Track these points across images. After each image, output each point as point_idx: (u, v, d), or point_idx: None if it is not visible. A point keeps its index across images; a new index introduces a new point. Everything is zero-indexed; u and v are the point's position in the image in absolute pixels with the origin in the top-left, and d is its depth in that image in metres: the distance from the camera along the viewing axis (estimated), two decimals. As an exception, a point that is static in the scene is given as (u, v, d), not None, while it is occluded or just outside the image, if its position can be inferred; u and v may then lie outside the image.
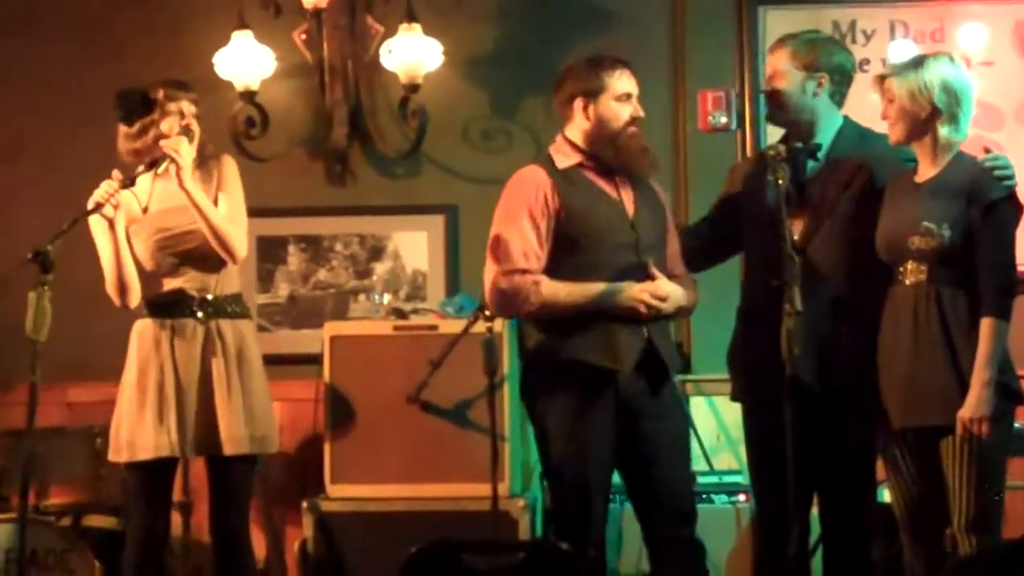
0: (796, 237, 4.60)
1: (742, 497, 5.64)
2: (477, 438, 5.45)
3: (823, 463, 4.60)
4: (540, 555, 4.61)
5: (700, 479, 5.63)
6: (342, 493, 5.63)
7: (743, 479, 5.66)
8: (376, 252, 6.44)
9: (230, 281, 4.93)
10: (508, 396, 5.54)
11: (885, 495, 4.73)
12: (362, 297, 6.40)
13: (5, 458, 5.70)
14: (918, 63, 4.55)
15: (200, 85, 5.15)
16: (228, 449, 4.78)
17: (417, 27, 6.19)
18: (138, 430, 4.77)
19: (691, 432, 5.38)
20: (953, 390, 4.38)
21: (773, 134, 5.03)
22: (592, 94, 4.68)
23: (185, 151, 4.77)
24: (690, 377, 6.10)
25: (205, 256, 4.83)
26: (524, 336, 4.75)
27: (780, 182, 4.49)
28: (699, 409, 6.05)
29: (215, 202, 4.84)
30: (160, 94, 4.84)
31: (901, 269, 4.50)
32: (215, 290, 4.87)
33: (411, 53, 6.18)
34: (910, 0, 6.32)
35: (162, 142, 4.78)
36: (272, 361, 5.13)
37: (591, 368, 4.58)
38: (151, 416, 4.77)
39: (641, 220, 4.71)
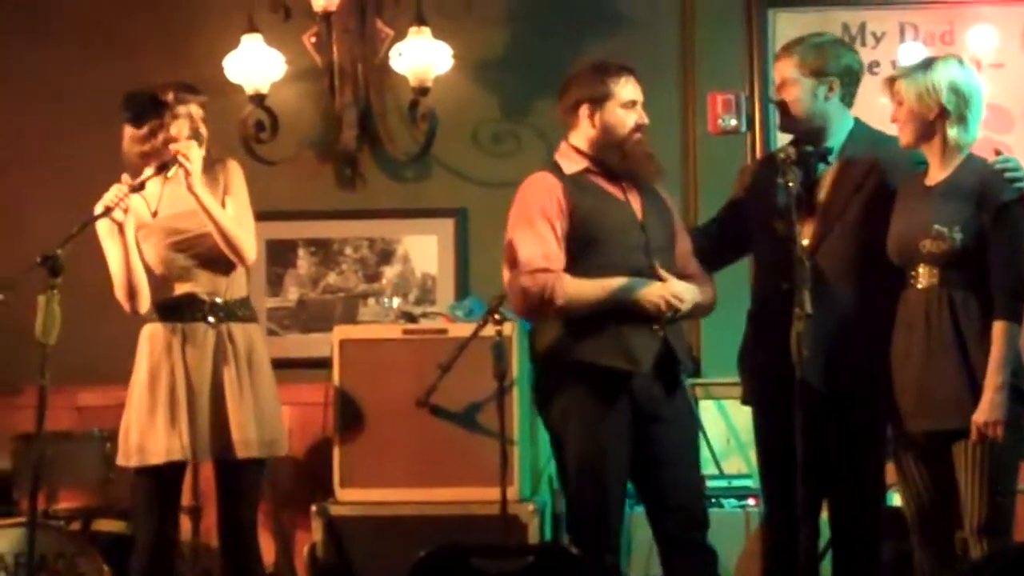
0: (806, 240, 4.59)
1: (751, 501, 5.63)
2: (486, 442, 5.45)
3: (833, 466, 4.59)
4: (549, 559, 4.60)
5: (710, 483, 5.62)
6: (351, 497, 5.63)
7: (752, 483, 5.66)
8: (386, 256, 6.44)
9: (239, 285, 4.93)
10: (518, 400, 5.54)
11: (895, 498, 4.72)
12: (371, 301, 6.40)
13: (15, 462, 5.70)
14: (927, 65, 4.54)
15: (210, 88, 5.15)
16: (240, 453, 4.77)
17: (426, 30, 6.19)
18: (149, 434, 4.77)
19: (701, 436, 5.36)
20: (966, 394, 4.36)
21: (783, 136, 5.02)
22: (598, 101, 4.68)
23: (195, 155, 4.76)
24: (700, 381, 6.09)
25: (217, 260, 4.83)
26: (537, 339, 4.73)
27: (790, 185, 4.49)
28: (708, 412, 6.03)
29: (222, 206, 4.83)
30: (170, 97, 4.83)
31: (913, 273, 4.49)
32: (225, 294, 4.87)
33: (421, 56, 6.19)
34: (920, 2, 6.32)
35: (172, 146, 4.78)
36: (281, 365, 5.12)
37: (607, 370, 4.57)
38: (162, 420, 4.76)
39: (650, 222, 4.70)
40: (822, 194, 4.69)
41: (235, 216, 4.84)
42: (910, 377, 4.46)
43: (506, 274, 4.68)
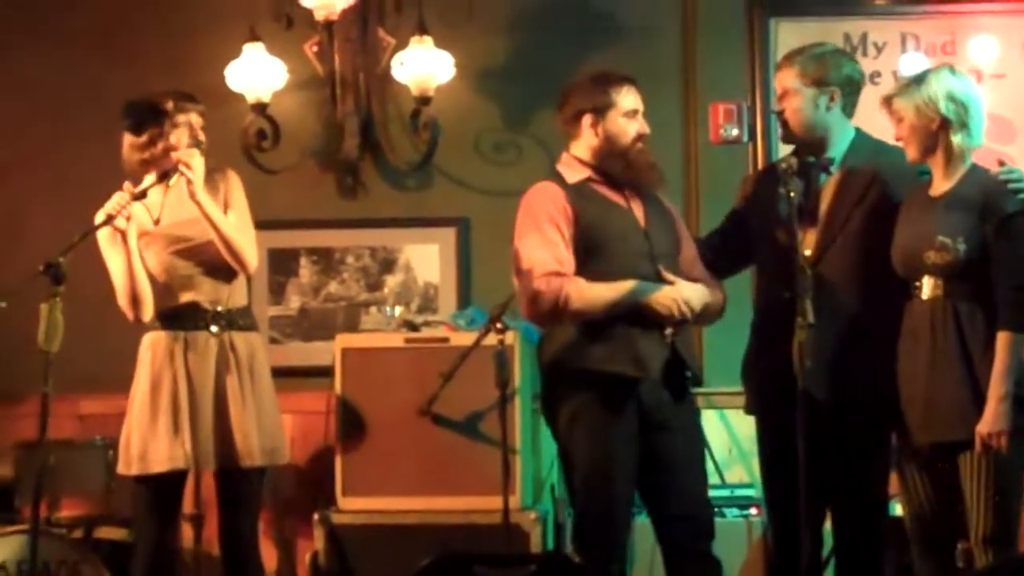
0: (809, 251, 4.60)
1: (754, 511, 5.63)
2: (488, 451, 5.44)
3: (836, 475, 4.59)
4: (551, 568, 4.60)
5: (712, 492, 5.60)
6: (353, 505, 5.63)
7: (755, 492, 5.66)
8: (387, 264, 6.44)
9: (240, 294, 4.94)
10: (520, 408, 5.54)
11: (898, 508, 4.72)
12: (373, 309, 6.41)
13: (17, 470, 5.71)
14: (920, 79, 4.55)
15: (211, 97, 5.16)
16: (243, 461, 4.78)
17: (428, 39, 6.20)
18: (151, 442, 4.77)
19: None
20: (971, 405, 4.36)
21: (784, 146, 5.02)
22: (600, 111, 4.69)
23: (197, 163, 4.77)
24: (702, 390, 6.06)
25: (219, 268, 4.84)
26: (545, 347, 4.72)
27: (792, 195, 4.50)
28: (711, 422, 6.03)
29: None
30: (170, 105, 4.85)
31: (918, 284, 4.49)
32: (227, 303, 4.88)
33: (422, 65, 6.19)
34: (921, 13, 6.32)
35: (174, 154, 4.79)
36: (283, 373, 5.13)
37: (615, 377, 4.56)
38: (165, 428, 4.76)
39: (653, 229, 4.71)
40: (824, 205, 4.69)
41: (236, 224, 4.84)
42: (916, 389, 4.46)
43: (516, 283, 4.68)
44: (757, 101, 6.25)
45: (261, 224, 5.01)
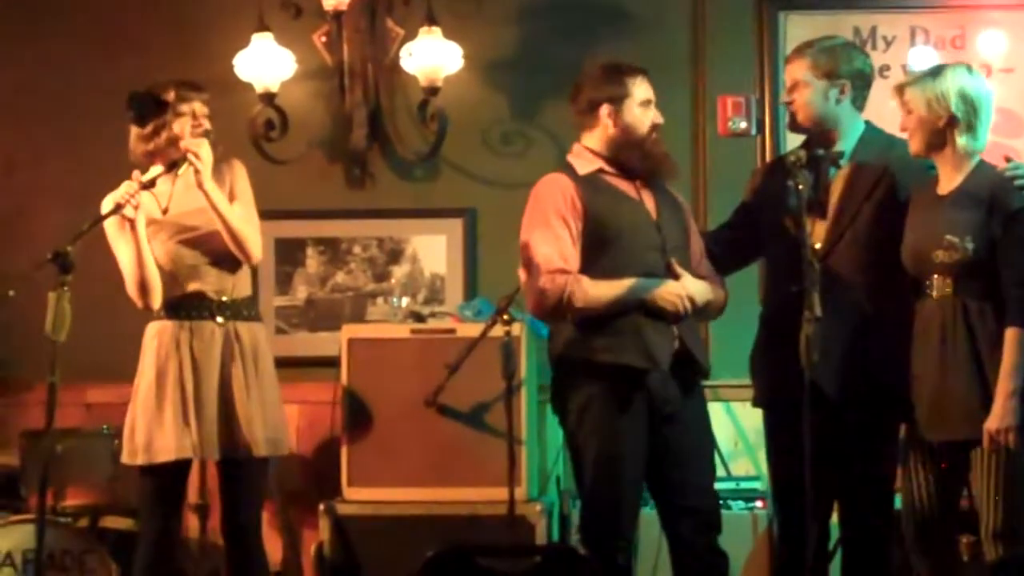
0: (818, 244, 4.60)
1: (759, 503, 5.63)
2: (494, 442, 5.44)
3: (843, 469, 4.59)
4: (557, 559, 4.61)
5: (718, 485, 5.60)
6: (359, 496, 5.63)
7: (761, 485, 5.66)
8: (394, 255, 6.44)
9: (245, 284, 4.94)
10: (525, 400, 5.55)
11: (899, 502, 4.72)
12: (380, 300, 6.40)
13: (23, 458, 5.70)
14: (936, 72, 4.53)
15: (219, 87, 5.16)
16: (247, 451, 4.77)
17: (437, 30, 6.19)
18: (157, 432, 4.76)
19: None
20: (981, 403, 4.35)
21: (793, 139, 5.02)
22: (617, 101, 4.68)
23: (205, 152, 4.77)
24: (708, 383, 6.06)
25: (225, 258, 4.84)
26: (554, 340, 4.73)
27: (800, 188, 4.49)
28: (717, 415, 6.00)
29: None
30: (171, 95, 4.84)
31: (927, 282, 4.48)
32: (232, 293, 4.88)
33: (431, 56, 6.18)
34: (931, 7, 6.31)
35: (182, 143, 4.79)
36: (289, 363, 5.13)
37: (624, 369, 4.56)
38: (171, 417, 4.76)
39: (665, 222, 4.71)
40: (833, 198, 4.69)
41: (241, 214, 4.84)
42: (928, 387, 4.46)
43: (523, 276, 4.68)
44: (766, 94, 6.24)
45: (268, 214, 5.00)
